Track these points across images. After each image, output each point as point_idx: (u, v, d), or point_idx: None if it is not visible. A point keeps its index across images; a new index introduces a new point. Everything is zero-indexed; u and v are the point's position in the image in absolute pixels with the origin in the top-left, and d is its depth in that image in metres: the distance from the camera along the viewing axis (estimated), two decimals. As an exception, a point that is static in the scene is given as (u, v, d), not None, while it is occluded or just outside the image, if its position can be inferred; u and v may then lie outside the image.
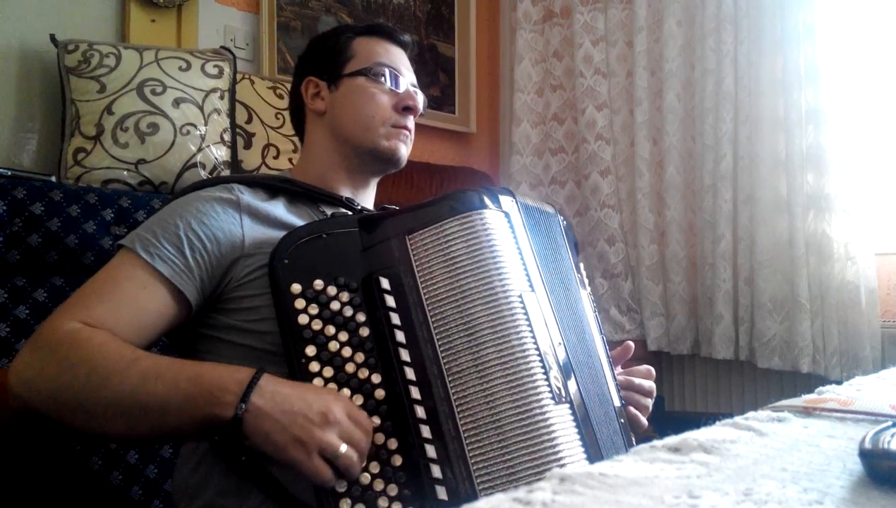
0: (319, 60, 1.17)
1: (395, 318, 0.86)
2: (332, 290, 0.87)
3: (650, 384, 1.14)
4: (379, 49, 1.16)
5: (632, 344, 1.16)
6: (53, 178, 1.48)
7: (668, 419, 2.30)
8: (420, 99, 1.17)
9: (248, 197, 1.02)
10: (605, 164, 2.42)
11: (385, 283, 0.87)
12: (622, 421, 1.01)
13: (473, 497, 0.78)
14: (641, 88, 2.34)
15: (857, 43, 2.04)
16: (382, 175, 1.20)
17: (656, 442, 0.51)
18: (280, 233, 0.91)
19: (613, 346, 1.15)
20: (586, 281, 1.12)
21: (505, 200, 0.95)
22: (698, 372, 2.32)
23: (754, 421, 0.60)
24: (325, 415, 0.79)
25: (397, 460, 0.82)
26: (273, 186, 1.07)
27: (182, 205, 0.99)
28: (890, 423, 0.52)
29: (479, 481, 0.80)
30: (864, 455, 0.47)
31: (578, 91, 2.46)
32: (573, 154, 2.54)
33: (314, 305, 0.86)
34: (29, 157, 1.62)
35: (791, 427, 0.61)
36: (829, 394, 0.75)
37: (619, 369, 1.14)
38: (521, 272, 0.90)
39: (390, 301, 0.86)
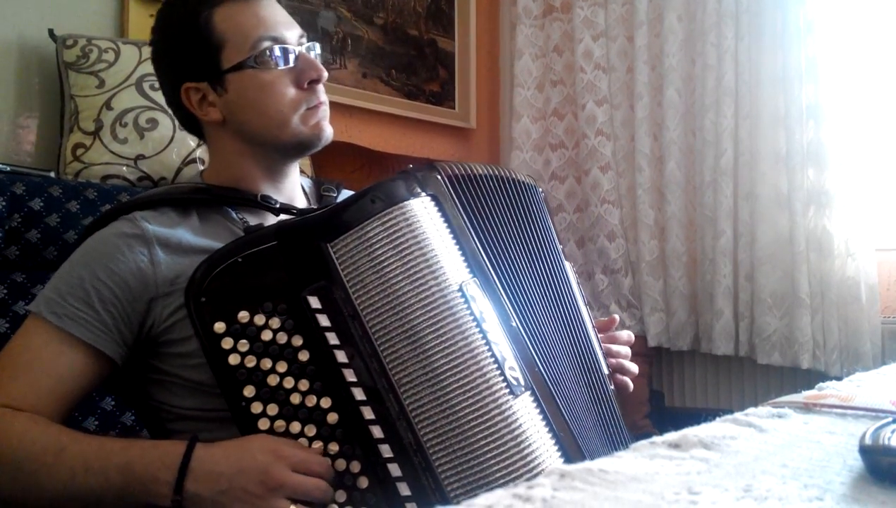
0: (186, 58, 0.98)
1: (333, 338, 0.81)
2: (259, 319, 0.81)
3: (626, 350, 1.11)
4: (248, 19, 0.96)
5: (616, 317, 1.16)
6: (52, 174, 1.48)
7: (668, 415, 2.30)
8: (318, 55, 1.01)
9: (153, 226, 0.93)
10: (605, 160, 2.41)
11: (315, 302, 0.81)
12: (612, 387, 1.03)
13: (446, 504, 0.76)
14: (642, 84, 2.34)
15: (857, 39, 2.03)
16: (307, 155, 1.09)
17: (656, 439, 0.51)
18: (196, 261, 0.84)
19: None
20: (559, 247, 1.06)
21: (433, 181, 0.90)
22: (698, 368, 2.31)
23: (754, 417, 0.60)
24: (264, 483, 0.76)
25: (363, 482, 0.80)
26: (182, 200, 0.98)
27: (85, 253, 0.92)
28: (890, 419, 0.52)
29: (449, 489, 0.78)
30: (865, 451, 0.47)
31: (578, 86, 2.45)
32: (573, 149, 2.54)
33: (243, 341, 0.80)
34: (28, 153, 1.61)
35: (791, 423, 0.61)
36: (829, 390, 0.75)
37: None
38: (459, 260, 0.86)
39: (324, 320, 0.81)
